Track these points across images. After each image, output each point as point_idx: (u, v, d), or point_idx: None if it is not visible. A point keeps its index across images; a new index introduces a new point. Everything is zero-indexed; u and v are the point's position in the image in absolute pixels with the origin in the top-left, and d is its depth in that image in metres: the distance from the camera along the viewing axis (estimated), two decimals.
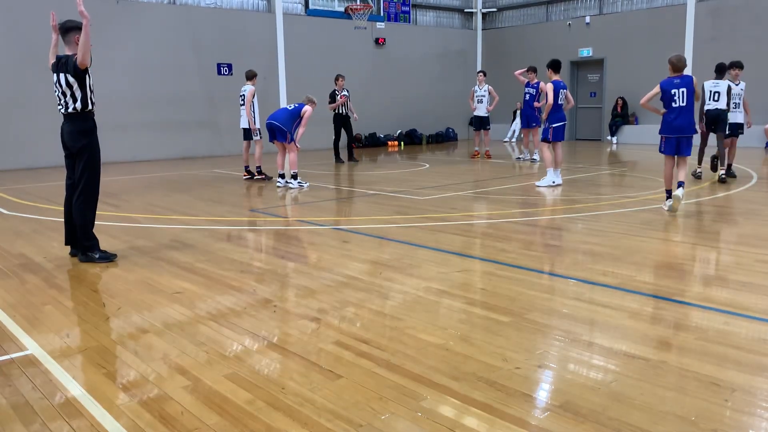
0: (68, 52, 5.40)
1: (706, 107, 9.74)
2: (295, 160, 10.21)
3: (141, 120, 15.38)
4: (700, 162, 10.42)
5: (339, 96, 13.94)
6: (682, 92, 7.30)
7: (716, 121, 9.72)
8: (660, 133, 7.54)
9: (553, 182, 9.79)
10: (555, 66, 10.04)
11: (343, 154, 14.76)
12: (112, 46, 14.36)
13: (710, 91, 9.68)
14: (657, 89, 7.42)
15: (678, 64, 7.39)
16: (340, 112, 14.12)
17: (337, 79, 14.10)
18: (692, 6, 17.15)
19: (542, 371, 3.15)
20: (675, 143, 7.40)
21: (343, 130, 14.36)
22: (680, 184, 7.33)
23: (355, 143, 15.43)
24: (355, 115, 14.32)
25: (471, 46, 22.45)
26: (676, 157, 7.49)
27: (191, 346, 3.54)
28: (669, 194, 7.48)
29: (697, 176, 10.30)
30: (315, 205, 8.72)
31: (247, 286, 4.75)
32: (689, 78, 7.39)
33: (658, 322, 3.81)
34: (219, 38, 16.45)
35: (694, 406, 2.72)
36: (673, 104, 7.34)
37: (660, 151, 7.60)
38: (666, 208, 7.41)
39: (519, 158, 14.45)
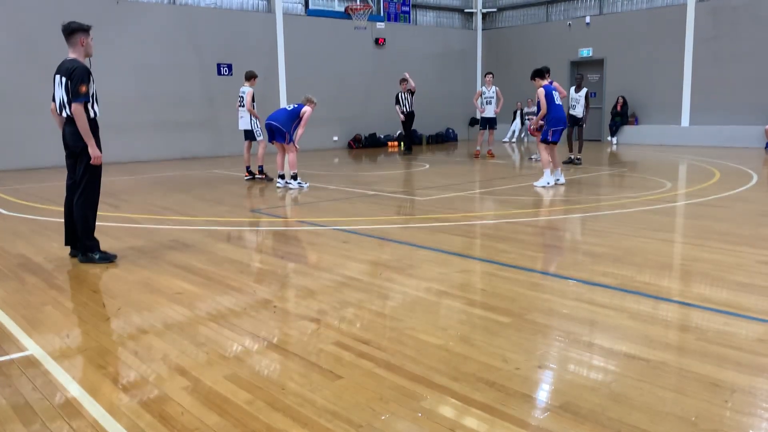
0: (72, 55, 5.38)
1: None
2: (294, 161, 10.20)
3: (141, 120, 15.38)
4: None
5: (402, 98, 15.90)
6: None
7: None
8: None
9: (548, 183, 9.78)
10: (540, 74, 9.97)
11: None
12: (112, 46, 14.36)
13: None
14: None
15: None
16: (404, 110, 16.08)
17: (400, 82, 15.97)
18: (692, 6, 17.18)
19: (542, 372, 3.15)
20: None
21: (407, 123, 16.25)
22: None
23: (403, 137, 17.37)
24: (407, 109, 16.05)
25: (471, 46, 22.46)
26: None
27: (191, 346, 3.54)
28: None
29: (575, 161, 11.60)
30: (315, 205, 8.72)
31: (247, 286, 4.75)
32: None
33: (658, 323, 3.81)
34: (219, 38, 16.45)
35: (694, 406, 2.72)
36: None
37: None
38: None
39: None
